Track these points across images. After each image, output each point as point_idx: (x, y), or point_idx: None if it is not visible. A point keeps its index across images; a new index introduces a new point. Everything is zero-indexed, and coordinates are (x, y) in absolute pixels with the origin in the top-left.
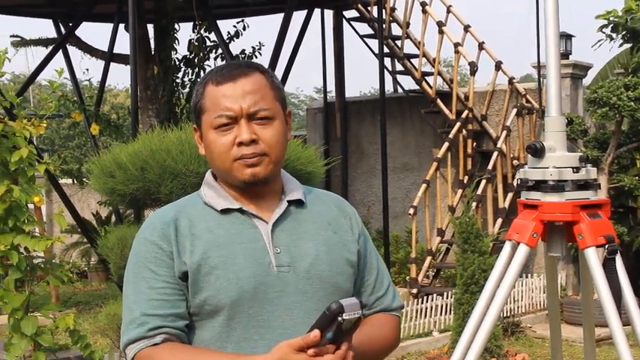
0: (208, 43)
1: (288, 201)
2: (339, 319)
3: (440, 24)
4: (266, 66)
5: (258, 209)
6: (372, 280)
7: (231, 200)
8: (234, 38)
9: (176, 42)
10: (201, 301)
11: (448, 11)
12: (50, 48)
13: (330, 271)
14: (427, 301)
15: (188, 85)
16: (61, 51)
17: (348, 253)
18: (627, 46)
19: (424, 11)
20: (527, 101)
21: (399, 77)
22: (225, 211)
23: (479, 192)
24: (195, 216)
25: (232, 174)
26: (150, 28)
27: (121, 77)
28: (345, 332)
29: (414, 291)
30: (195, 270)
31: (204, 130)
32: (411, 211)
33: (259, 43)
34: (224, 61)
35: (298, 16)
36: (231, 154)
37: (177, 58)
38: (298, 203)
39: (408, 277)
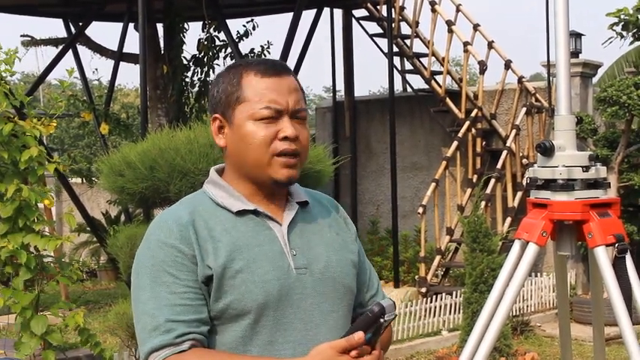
0: (218, 42)
1: (296, 203)
2: (381, 320)
3: (449, 23)
4: None
5: (270, 210)
6: (366, 279)
7: (245, 201)
8: (244, 37)
9: (185, 41)
10: (226, 305)
11: (457, 10)
12: (60, 47)
13: (342, 272)
14: (436, 300)
15: (197, 85)
16: (70, 50)
17: (351, 253)
18: (637, 44)
19: (433, 10)
20: (537, 100)
21: (409, 76)
22: (240, 213)
23: (488, 191)
24: (209, 217)
25: (267, 169)
26: (159, 27)
27: (130, 77)
28: (379, 333)
29: (423, 290)
30: (220, 274)
31: (238, 121)
32: (420, 210)
33: (268, 42)
34: (233, 61)
35: (307, 15)
36: (272, 148)
37: (185, 57)
38: (303, 205)
39: (417, 276)
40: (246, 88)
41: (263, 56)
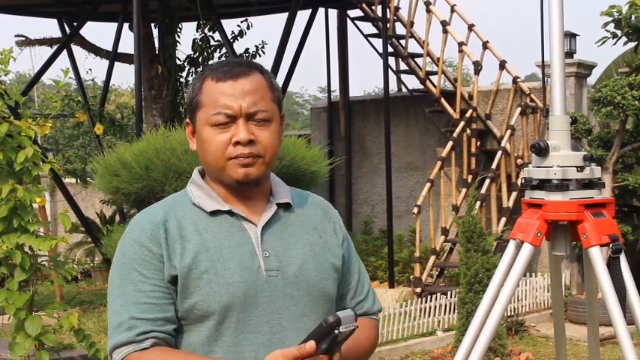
0: (212, 42)
1: (276, 204)
2: (336, 331)
3: (444, 23)
4: (270, 65)
5: (247, 211)
6: (353, 284)
7: (221, 201)
8: (238, 37)
9: (180, 41)
10: (191, 306)
11: (452, 10)
12: (55, 47)
13: (317, 276)
14: (431, 301)
15: None
16: (65, 50)
17: (334, 257)
18: (632, 44)
19: (428, 10)
20: (532, 100)
21: (403, 76)
22: (215, 213)
23: (483, 191)
24: (183, 217)
25: (225, 172)
26: (154, 27)
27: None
28: (338, 343)
29: (418, 290)
30: (185, 274)
31: (198, 126)
32: (415, 210)
33: (262, 41)
34: None
35: (302, 16)
36: (227, 153)
37: (179, 57)
38: (286, 207)
39: (411, 277)
40: (204, 94)
41: (258, 56)
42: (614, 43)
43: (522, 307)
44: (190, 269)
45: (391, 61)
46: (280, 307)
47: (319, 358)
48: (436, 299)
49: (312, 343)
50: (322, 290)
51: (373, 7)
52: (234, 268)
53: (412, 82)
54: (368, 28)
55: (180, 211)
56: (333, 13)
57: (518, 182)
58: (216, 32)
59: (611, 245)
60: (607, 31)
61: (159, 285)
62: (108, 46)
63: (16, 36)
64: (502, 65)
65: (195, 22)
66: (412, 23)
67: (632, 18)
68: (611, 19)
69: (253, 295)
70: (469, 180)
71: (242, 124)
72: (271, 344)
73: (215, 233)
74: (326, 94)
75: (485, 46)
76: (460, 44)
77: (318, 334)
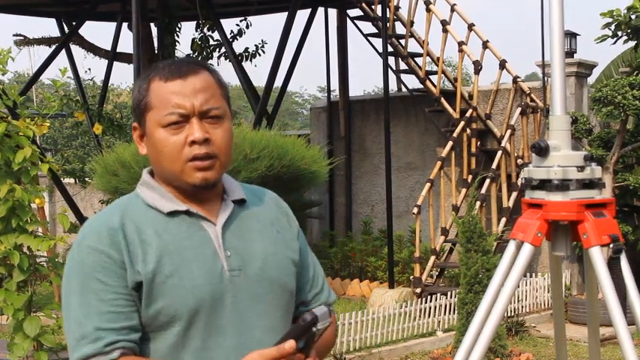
0: (212, 41)
1: (232, 201)
2: (314, 329)
3: (444, 23)
4: (270, 65)
5: (204, 211)
6: (309, 277)
7: (177, 201)
8: (238, 37)
9: (179, 41)
10: (156, 312)
11: (452, 10)
12: (53, 47)
13: (279, 272)
14: (431, 301)
15: None
16: (64, 50)
17: (292, 252)
18: (632, 44)
19: (428, 10)
20: (532, 100)
21: (403, 76)
22: (172, 214)
23: (483, 191)
24: (139, 220)
25: (182, 176)
26: (153, 26)
27: (124, 76)
28: (314, 340)
29: (418, 290)
30: (150, 280)
31: (149, 129)
32: (415, 210)
33: (262, 40)
34: (227, 60)
35: (302, 15)
36: (184, 155)
37: (178, 57)
38: (241, 203)
39: (411, 277)
40: (152, 95)
41: (258, 55)
42: (614, 43)
43: (522, 307)
44: (155, 274)
45: (391, 60)
46: (245, 306)
47: (297, 357)
48: (436, 300)
49: (291, 343)
50: (284, 286)
51: (373, 7)
52: (198, 271)
53: (412, 82)
54: (368, 27)
55: (135, 214)
56: (332, 12)
57: (519, 182)
58: (216, 32)
59: (611, 245)
60: (609, 29)
61: (121, 292)
62: (107, 46)
63: (14, 35)
64: (502, 65)
65: (195, 22)
66: (412, 23)
67: (633, 17)
68: (611, 19)
69: (219, 297)
70: (469, 180)
71: (196, 123)
72: (240, 345)
73: (174, 235)
74: (325, 94)
75: (485, 45)
76: (460, 44)
77: (296, 333)
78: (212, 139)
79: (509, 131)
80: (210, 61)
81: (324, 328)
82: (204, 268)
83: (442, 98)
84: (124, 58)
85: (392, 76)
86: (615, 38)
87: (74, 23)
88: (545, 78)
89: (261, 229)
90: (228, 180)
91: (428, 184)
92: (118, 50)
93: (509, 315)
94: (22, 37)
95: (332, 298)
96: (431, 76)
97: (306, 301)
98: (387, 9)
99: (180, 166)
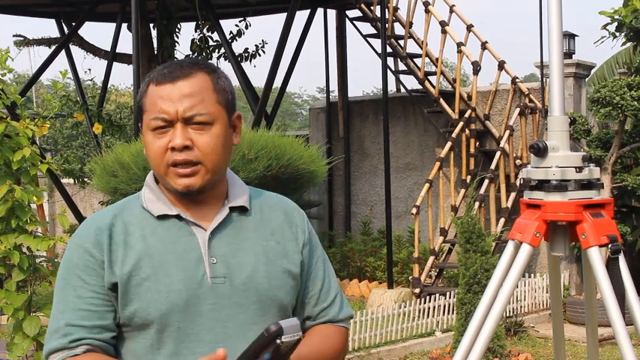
0: (211, 42)
1: (230, 207)
2: (278, 341)
3: (443, 23)
4: (269, 65)
5: (197, 215)
6: (316, 292)
7: (170, 205)
8: (237, 38)
9: (178, 42)
10: (131, 314)
11: (451, 11)
12: (53, 48)
13: (269, 284)
14: (430, 301)
15: None
16: (63, 50)
17: (290, 264)
18: (629, 45)
19: (427, 11)
20: (530, 101)
21: (402, 77)
22: (163, 217)
23: (482, 192)
24: (130, 221)
25: (166, 180)
26: (153, 27)
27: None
28: (283, 354)
29: (417, 291)
30: (125, 281)
31: (143, 131)
32: (414, 210)
33: (262, 41)
34: (227, 61)
35: (301, 16)
36: (165, 159)
37: (177, 58)
38: (242, 210)
39: (410, 277)
40: (146, 97)
41: (257, 56)
42: (613, 46)
43: (521, 307)
44: (130, 276)
45: (390, 61)
46: (227, 315)
47: None
48: (435, 300)
49: (221, 351)
50: (274, 298)
51: (372, 8)
52: (176, 275)
53: (411, 83)
54: (367, 28)
55: (128, 215)
56: (331, 13)
57: (517, 183)
58: (215, 32)
59: (609, 246)
60: (607, 30)
61: (98, 292)
62: (106, 47)
63: (14, 36)
64: (501, 66)
65: (194, 23)
66: (411, 24)
67: (634, 21)
68: (611, 19)
69: (195, 303)
70: (468, 180)
71: (179, 129)
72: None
73: (161, 238)
74: (325, 95)
75: (484, 46)
76: (459, 45)
77: (259, 345)
78: (196, 145)
79: (507, 132)
80: (209, 62)
81: (292, 341)
82: (184, 273)
83: (441, 99)
84: (124, 58)
85: (391, 77)
86: (614, 39)
87: (74, 24)
88: (544, 79)
89: (259, 239)
90: (236, 185)
91: (427, 185)
92: (117, 51)
93: (507, 315)
94: (22, 38)
95: (343, 314)
96: (430, 77)
97: (312, 316)
98: (386, 10)
99: (164, 169)
